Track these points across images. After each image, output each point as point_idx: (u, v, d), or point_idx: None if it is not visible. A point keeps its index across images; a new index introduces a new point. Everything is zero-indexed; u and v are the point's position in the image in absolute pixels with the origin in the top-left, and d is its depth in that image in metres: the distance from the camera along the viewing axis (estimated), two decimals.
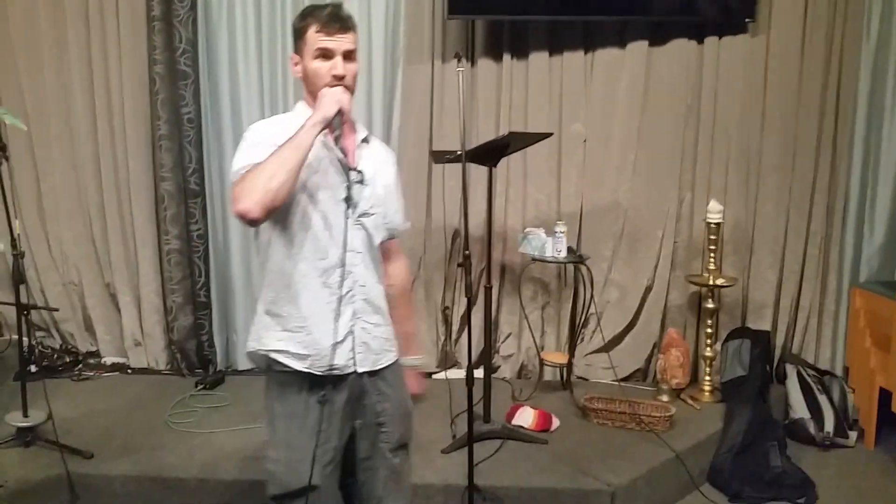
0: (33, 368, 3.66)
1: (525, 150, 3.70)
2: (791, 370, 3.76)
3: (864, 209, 3.89)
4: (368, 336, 1.91)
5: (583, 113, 3.92)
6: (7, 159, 2.94)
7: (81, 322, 4.20)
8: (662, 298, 3.97)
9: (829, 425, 3.53)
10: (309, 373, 1.84)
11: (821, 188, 3.82)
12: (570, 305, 3.93)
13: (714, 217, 3.63)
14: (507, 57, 3.86)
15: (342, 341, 1.85)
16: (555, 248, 3.60)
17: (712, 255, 3.69)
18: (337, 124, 1.76)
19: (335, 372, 1.85)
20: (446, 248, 3.97)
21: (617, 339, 4.02)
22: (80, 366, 4.02)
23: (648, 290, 3.99)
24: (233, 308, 4.11)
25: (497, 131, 3.82)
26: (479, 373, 3.27)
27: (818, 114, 3.77)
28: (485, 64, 3.88)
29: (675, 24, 3.79)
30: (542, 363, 3.89)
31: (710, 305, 3.73)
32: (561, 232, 3.61)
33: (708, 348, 3.75)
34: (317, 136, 1.73)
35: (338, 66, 1.81)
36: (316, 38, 1.80)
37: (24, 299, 3.02)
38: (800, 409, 3.61)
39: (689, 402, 3.63)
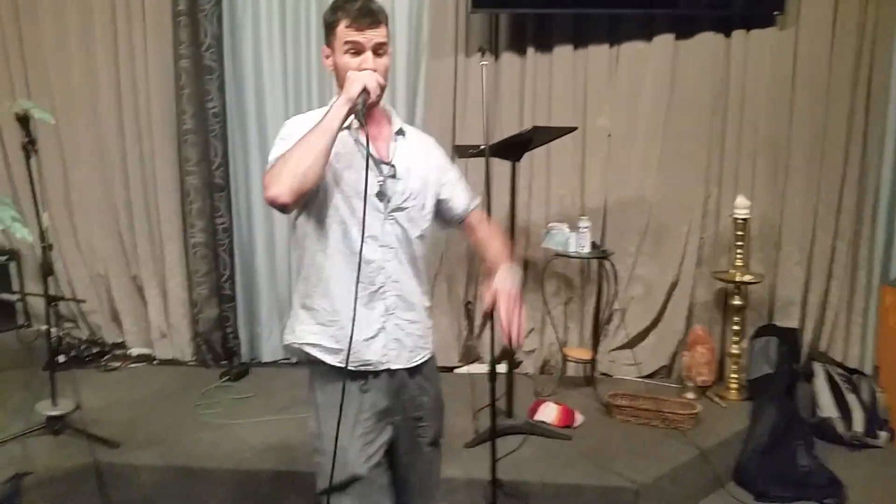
0: (62, 359, 3.74)
1: (549, 144, 3.68)
2: (819, 368, 3.70)
3: (894, 205, 3.82)
4: (401, 332, 1.89)
5: (608, 107, 3.89)
6: (36, 153, 2.98)
7: (108, 313, 4.26)
8: (688, 295, 3.93)
9: (859, 425, 3.47)
10: (342, 367, 1.83)
11: (850, 184, 3.75)
12: (594, 301, 3.90)
13: (741, 212, 3.59)
14: (531, 50, 3.84)
15: (374, 336, 1.84)
16: (578, 243, 3.58)
17: (739, 251, 3.64)
18: (361, 105, 1.72)
19: (368, 367, 1.85)
20: (469, 244, 3.94)
21: (641, 336, 3.99)
22: (107, 356, 4.08)
23: (674, 286, 3.95)
24: (257, 301, 4.15)
25: (520, 125, 3.81)
26: (501, 368, 3.27)
27: (848, 108, 3.70)
28: (508, 58, 3.87)
29: (701, 18, 3.75)
30: (565, 359, 3.87)
31: (737, 302, 3.69)
32: (585, 227, 3.58)
33: (734, 345, 3.70)
34: (344, 118, 1.70)
35: (368, 60, 1.78)
36: (346, 32, 1.77)
37: (52, 291, 3.07)
38: (828, 408, 3.56)
39: (715, 399, 3.60)
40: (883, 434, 3.49)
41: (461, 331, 4.03)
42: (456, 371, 3.86)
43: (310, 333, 1.86)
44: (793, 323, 3.83)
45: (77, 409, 3.10)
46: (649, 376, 3.90)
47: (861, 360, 3.86)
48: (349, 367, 1.82)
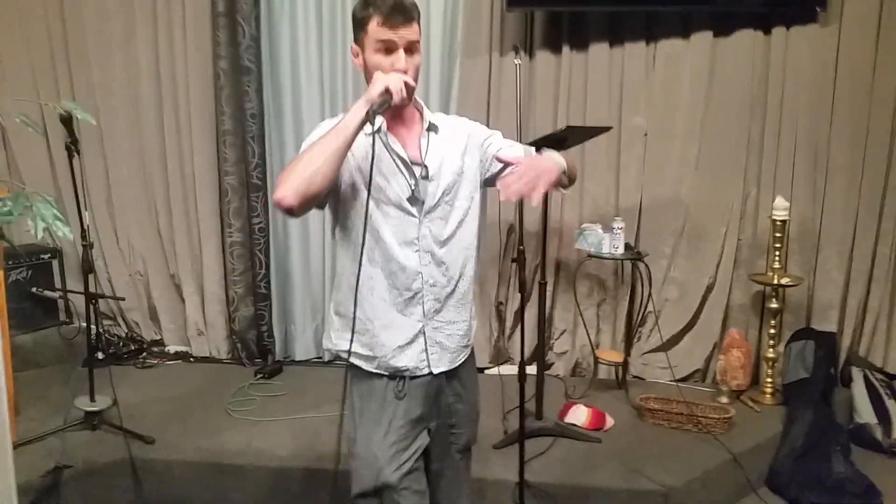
0: (100, 355, 3.81)
1: (583, 143, 3.65)
2: (857, 373, 3.63)
3: None
4: (442, 335, 1.84)
5: (644, 106, 3.84)
6: (78, 153, 3.05)
7: (147, 311, 4.34)
8: (724, 297, 3.87)
9: None
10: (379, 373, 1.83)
11: (893, 185, 3.65)
12: (627, 303, 3.87)
13: (780, 214, 3.53)
14: (566, 49, 3.81)
15: (410, 343, 1.81)
16: (612, 244, 3.55)
17: (777, 253, 3.58)
18: (378, 107, 1.63)
19: (405, 374, 1.82)
20: (501, 244, 3.95)
21: (676, 339, 3.94)
22: (145, 353, 4.16)
23: (710, 288, 3.89)
24: (291, 300, 4.20)
25: (555, 125, 3.78)
26: (532, 370, 3.27)
27: (892, 108, 3.60)
28: (543, 56, 3.84)
29: (740, 15, 3.68)
30: (596, 361, 3.84)
31: (774, 305, 3.63)
32: (618, 228, 3.55)
33: (770, 349, 3.64)
34: (361, 119, 1.62)
35: (400, 60, 1.72)
36: (378, 31, 1.71)
37: (92, 289, 3.14)
38: (866, 414, 3.48)
39: (750, 404, 3.54)
40: None
41: (492, 332, 4.02)
42: (486, 372, 3.86)
43: (345, 341, 1.81)
44: (831, 327, 3.75)
45: (114, 405, 3.16)
46: (683, 380, 3.85)
47: None
48: (384, 374, 1.81)
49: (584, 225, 3.69)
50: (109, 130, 4.14)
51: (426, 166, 1.80)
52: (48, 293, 4.02)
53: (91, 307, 3.18)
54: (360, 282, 1.76)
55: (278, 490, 2.93)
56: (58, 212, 1.40)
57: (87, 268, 3.12)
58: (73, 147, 3.01)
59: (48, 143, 4.12)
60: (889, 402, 3.47)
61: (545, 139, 3.15)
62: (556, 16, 3.79)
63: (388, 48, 1.72)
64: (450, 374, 1.89)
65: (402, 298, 1.79)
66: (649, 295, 3.82)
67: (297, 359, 4.18)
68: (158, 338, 4.31)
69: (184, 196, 4.17)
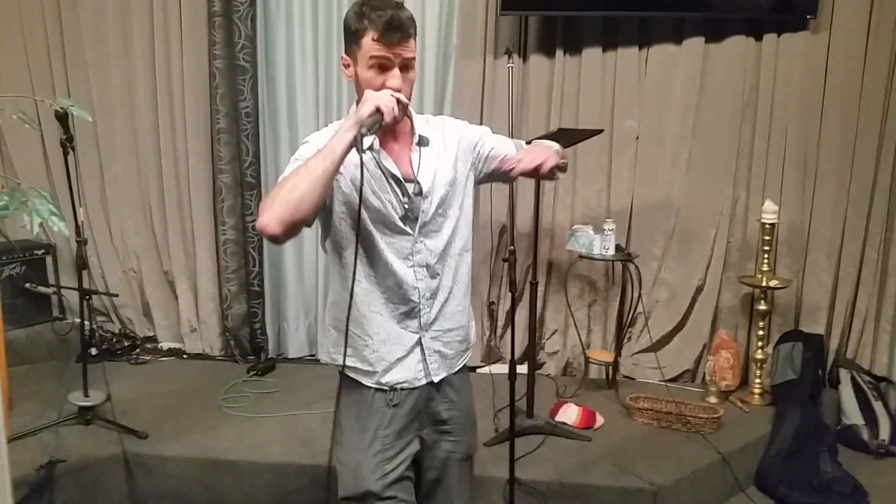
0: (94, 351, 3.83)
1: (576, 146, 3.69)
2: (845, 375, 3.67)
3: None
4: (440, 343, 1.82)
5: (636, 109, 3.88)
6: (73, 150, 3.06)
7: (140, 308, 4.35)
8: (714, 299, 3.91)
9: (885, 433, 3.42)
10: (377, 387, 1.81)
11: (881, 189, 3.70)
12: (618, 304, 3.90)
13: (769, 217, 3.57)
14: (559, 53, 3.84)
15: (407, 355, 1.79)
16: (602, 245, 3.58)
17: (766, 256, 3.62)
18: (367, 128, 1.55)
19: (404, 385, 1.80)
20: (493, 244, 3.98)
21: (666, 339, 3.98)
22: (138, 350, 4.17)
23: (699, 290, 3.93)
24: (285, 298, 4.22)
25: (548, 127, 3.82)
26: (523, 369, 3.30)
27: (880, 114, 3.65)
28: (537, 60, 3.88)
29: (732, 21, 3.72)
30: (587, 361, 3.88)
31: (763, 307, 3.67)
32: (609, 229, 3.59)
33: (759, 351, 3.68)
34: (350, 141, 1.54)
35: (395, 78, 1.64)
36: (372, 47, 1.62)
37: (86, 285, 3.15)
38: (853, 416, 3.52)
39: (738, 404, 3.58)
40: None
41: (484, 331, 4.06)
42: (478, 371, 3.89)
43: (342, 356, 1.77)
44: (819, 329, 3.80)
45: (107, 401, 3.18)
46: (673, 380, 3.89)
47: (889, 367, 3.79)
48: (384, 388, 1.79)
49: (575, 226, 3.72)
50: (104, 128, 4.15)
51: (419, 182, 1.74)
52: (42, 289, 4.02)
53: (85, 303, 3.19)
54: (357, 299, 1.73)
55: (272, 485, 2.94)
56: (53, 207, 1.42)
57: (81, 264, 3.14)
58: (68, 144, 3.02)
59: (43, 140, 4.13)
60: (876, 404, 3.52)
61: (536, 141, 3.21)
62: (550, 20, 3.82)
63: (383, 66, 1.64)
64: (442, 381, 1.85)
65: (399, 312, 1.76)
66: (639, 296, 3.85)
67: (290, 356, 4.21)
68: (152, 334, 4.32)
69: (178, 194, 4.18)
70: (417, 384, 1.80)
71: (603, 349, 3.96)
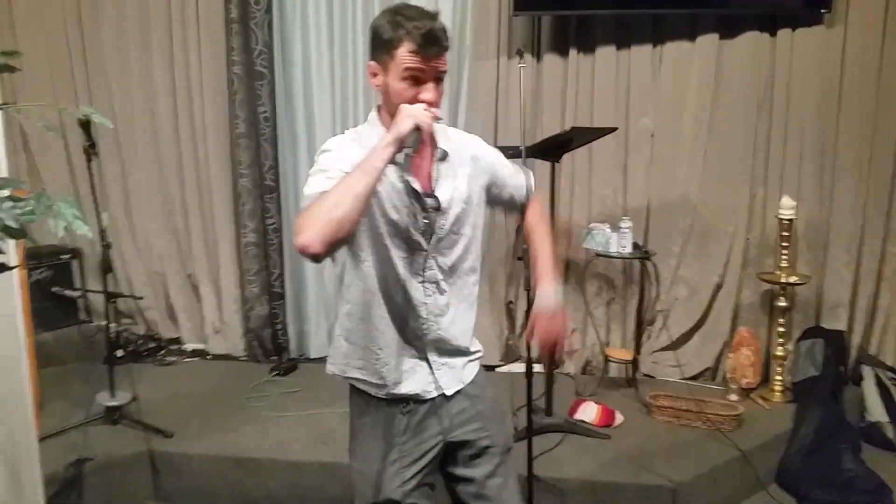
0: (120, 353, 3.90)
1: (591, 145, 3.71)
2: (868, 372, 3.64)
3: None
4: (446, 357, 1.81)
5: (651, 107, 3.88)
6: (96, 156, 3.13)
7: (165, 310, 4.43)
8: (733, 296, 3.90)
9: None
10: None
11: None
12: (637, 302, 3.90)
13: (786, 213, 3.55)
14: (573, 52, 3.86)
15: (416, 369, 1.77)
16: (619, 243, 3.59)
17: (784, 252, 3.61)
18: (412, 143, 1.54)
19: (415, 397, 1.78)
20: (510, 243, 4.00)
21: (685, 337, 3.97)
22: (163, 351, 4.25)
23: (719, 287, 3.92)
24: (305, 299, 4.27)
25: (562, 127, 3.82)
26: (540, 367, 3.31)
27: None
28: (550, 59, 3.89)
29: (746, 17, 3.72)
30: (606, 359, 3.88)
31: (782, 304, 3.65)
32: (626, 227, 3.59)
33: (779, 348, 3.66)
34: (390, 158, 1.52)
35: (429, 91, 1.61)
36: (408, 58, 1.58)
37: (111, 288, 3.22)
38: (877, 412, 3.50)
39: (759, 401, 3.57)
40: None
41: (502, 330, 4.08)
42: (497, 370, 3.91)
43: (355, 368, 1.79)
44: (840, 325, 3.77)
45: (134, 401, 3.25)
46: (693, 378, 3.88)
47: None
48: (396, 398, 1.78)
49: (591, 225, 3.73)
50: (127, 135, 4.23)
51: (437, 198, 1.72)
52: (69, 293, 4.11)
53: (110, 306, 3.27)
54: (370, 311, 1.73)
55: (293, 483, 2.99)
56: (77, 211, 1.47)
57: (106, 267, 3.21)
58: (90, 150, 3.09)
59: (67, 148, 4.21)
60: None
61: (550, 140, 3.23)
62: (563, 20, 3.84)
63: (416, 78, 1.60)
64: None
65: (408, 327, 1.75)
66: (657, 294, 3.85)
67: (312, 356, 4.25)
68: (176, 336, 4.39)
69: (199, 198, 4.25)
70: (428, 396, 1.78)
71: (622, 348, 3.96)
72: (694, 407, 3.35)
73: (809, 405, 3.39)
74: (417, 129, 1.54)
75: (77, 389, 3.57)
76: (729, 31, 3.74)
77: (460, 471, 1.85)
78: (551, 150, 3.22)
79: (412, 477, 1.77)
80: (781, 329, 3.68)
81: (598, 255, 3.67)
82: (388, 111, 1.65)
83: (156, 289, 4.39)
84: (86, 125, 3.00)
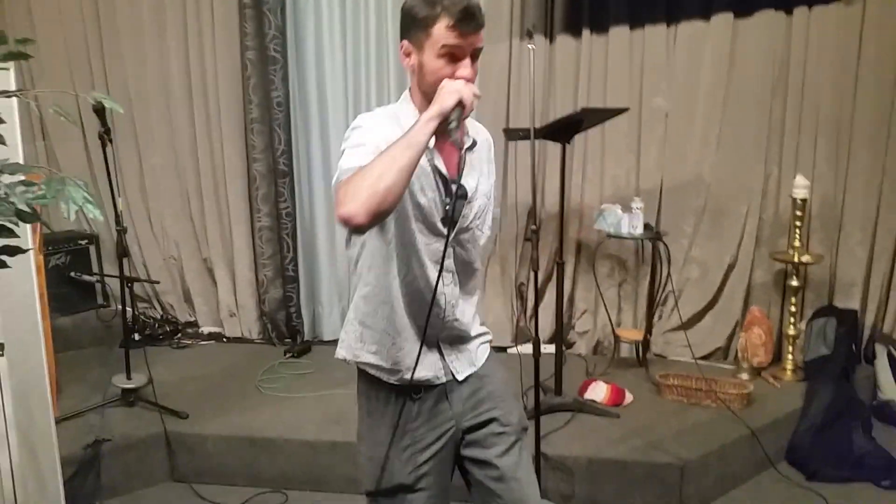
0: (136, 336, 3.97)
1: (603, 125, 3.69)
2: (881, 350, 3.63)
3: None
4: (458, 343, 1.81)
5: (665, 87, 3.86)
6: (111, 142, 3.17)
7: (181, 294, 4.49)
8: (746, 276, 3.89)
9: None
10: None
11: None
12: (648, 282, 3.90)
13: (800, 192, 3.53)
14: (586, 32, 3.84)
15: (427, 356, 1.75)
16: (631, 224, 3.59)
17: (798, 231, 3.59)
18: (455, 119, 1.51)
19: (427, 383, 1.76)
20: (521, 226, 4.00)
21: (698, 317, 3.97)
22: (179, 334, 4.32)
23: (731, 267, 3.91)
24: (318, 282, 4.32)
25: (575, 108, 3.81)
26: (552, 348, 3.33)
27: None
28: (563, 40, 3.88)
29: None
30: (617, 339, 3.89)
31: (795, 283, 3.64)
32: (637, 208, 3.59)
33: (791, 327, 3.65)
34: (432, 132, 1.49)
35: (466, 68, 1.57)
36: (445, 35, 1.55)
37: (127, 273, 3.27)
38: (890, 390, 3.49)
39: (770, 380, 3.56)
40: None
41: (514, 311, 4.09)
42: (508, 351, 3.93)
43: (368, 353, 1.76)
44: (854, 304, 3.75)
45: (150, 383, 3.30)
46: (705, 357, 3.87)
47: None
48: (404, 383, 1.76)
49: (603, 206, 3.73)
50: (142, 121, 4.28)
51: (463, 186, 1.68)
52: (86, 277, 4.17)
53: (126, 290, 3.32)
54: (392, 295, 1.71)
55: (307, 462, 3.04)
56: (88, 195, 1.49)
57: (122, 252, 3.25)
58: (105, 136, 3.13)
59: (84, 133, 4.26)
60: None
61: (562, 121, 3.22)
62: (576, 0, 3.81)
63: (454, 55, 1.57)
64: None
65: (424, 313, 1.70)
66: (668, 274, 3.84)
67: (325, 339, 4.30)
68: (192, 319, 4.46)
69: (214, 183, 4.30)
70: (438, 382, 1.77)
71: (633, 328, 3.97)
72: (704, 386, 3.35)
73: (820, 383, 3.39)
74: (461, 104, 1.51)
75: (94, 372, 3.65)
76: (744, 9, 3.71)
77: (474, 452, 1.83)
78: (561, 131, 3.21)
79: (424, 462, 1.76)
80: (794, 308, 3.67)
81: (610, 236, 3.67)
82: (422, 90, 1.64)
83: (172, 273, 4.46)
84: (100, 111, 3.03)
